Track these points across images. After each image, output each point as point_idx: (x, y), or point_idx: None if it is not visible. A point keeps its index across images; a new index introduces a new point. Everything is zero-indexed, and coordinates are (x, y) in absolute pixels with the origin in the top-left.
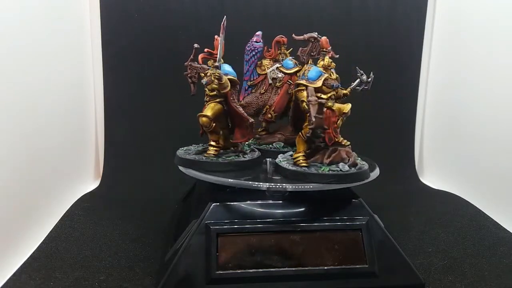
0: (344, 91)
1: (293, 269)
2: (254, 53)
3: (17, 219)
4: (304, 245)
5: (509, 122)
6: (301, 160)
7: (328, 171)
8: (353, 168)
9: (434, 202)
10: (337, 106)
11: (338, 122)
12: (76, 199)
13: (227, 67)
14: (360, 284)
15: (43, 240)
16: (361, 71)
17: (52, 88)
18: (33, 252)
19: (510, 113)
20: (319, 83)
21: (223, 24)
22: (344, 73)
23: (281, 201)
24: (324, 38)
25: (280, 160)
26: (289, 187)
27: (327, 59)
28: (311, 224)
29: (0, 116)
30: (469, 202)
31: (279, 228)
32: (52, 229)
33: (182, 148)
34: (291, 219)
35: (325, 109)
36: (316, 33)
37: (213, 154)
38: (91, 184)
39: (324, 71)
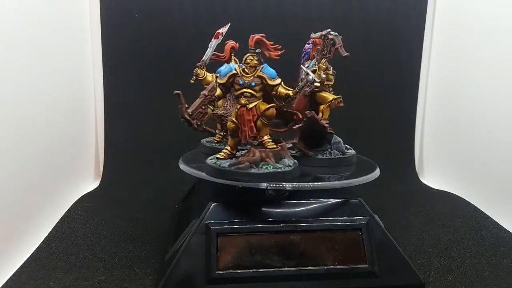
0: (287, 92)
1: (293, 269)
2: (303, 55)
3: (17, 219)
4: (304, 245)
5: (509, 122)
6: (220, 154)
7: (214, 163)
8: (233, 167)
9: (434, 202)
10: (259, 105)
11: (258, 121)
12: (76, 199)
13: (224, 68)
14: (360, 284)
15: (43, 240)
16: (307, 71)
17: (52, 88)
18: (33, 252)
19: (510, 113)
20: (223, 80)
21: (221, 31)
22: (344, 73)
23: (281, 201)
24: (251, 36)
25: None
26: (288, 186)
27: (245, 56)
28: (311, 224)
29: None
30: (469, 202)
31: (279, 228)
32: (52, 229)
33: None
34: (291, 219)
35: (238, 107)
36: (327, 30)
37: (216, 141)
38: (91, 184)
39: (238, 69)
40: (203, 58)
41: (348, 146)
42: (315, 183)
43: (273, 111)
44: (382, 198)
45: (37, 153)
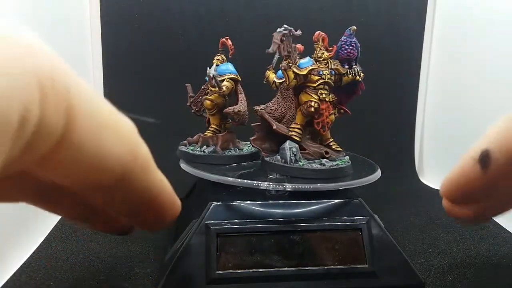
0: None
1: (293, 269)
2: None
3: (17, 219)
4: (304, 245)
5: None
6: None
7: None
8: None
9: (434, 202)
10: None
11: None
12: None
13: None
14: (360, 284)
15: (43, 240)
16: (210, 69)
17: None
18: (33, 252)
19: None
20: None
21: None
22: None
23: (281, 201)
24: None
25: None
26: (289, 186)
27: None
28: (311, 224)
29: None
30: None
31: (279, 228)
32: (52, 229)
33: None
34: (291, 219)
35: None
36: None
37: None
38: None
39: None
40: (273, 61)
41: (343, 160)
42: (316, 185)
43: (207, 103)
44: (382, 198)
45: None
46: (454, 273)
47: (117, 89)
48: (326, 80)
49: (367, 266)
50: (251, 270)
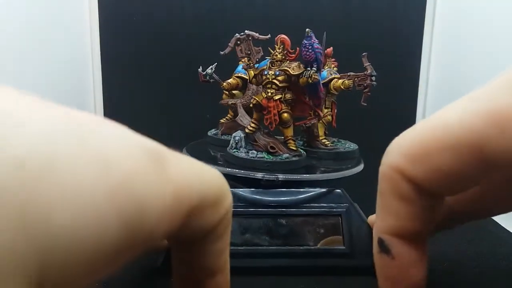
0: None
1: (279, 247)
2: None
3: None
4: (290, 227)
5: None
6: None
7: None
8: None
9: None
10: None
11: None
12: None
13: None
14: (338, 263)
15: None
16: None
17: (51, 89)
18: None
19: None
20: None
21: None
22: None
23: (272, 189)
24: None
25: None
26: (281, 177)
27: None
28: (297, 209)
29: None
30: None
31: (268, 212)
32: None
33: None
34: (279, 204)
35: None
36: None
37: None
38: None
39: None
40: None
41: (277, 156)
42: (304, 175)
43: (223, 96)
44: None
45: None
46: (454, 275)
47: (117, 89)
48: (270, 79)
49: (344, 248)
50: (241, 248)
